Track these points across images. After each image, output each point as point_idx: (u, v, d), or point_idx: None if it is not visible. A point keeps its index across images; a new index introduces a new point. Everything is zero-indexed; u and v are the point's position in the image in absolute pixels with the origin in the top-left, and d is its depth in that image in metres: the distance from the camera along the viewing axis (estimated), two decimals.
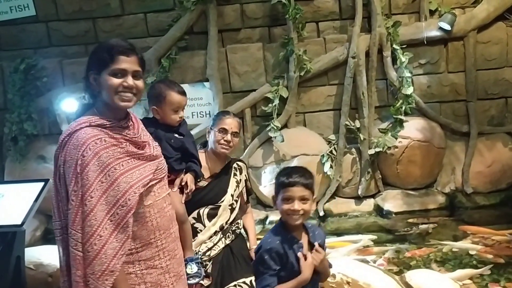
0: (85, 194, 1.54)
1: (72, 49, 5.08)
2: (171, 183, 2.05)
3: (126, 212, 1.57)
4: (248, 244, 2.68)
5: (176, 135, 2.21)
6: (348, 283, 2.73)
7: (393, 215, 4.66)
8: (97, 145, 1.57)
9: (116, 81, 1.61)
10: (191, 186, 2.20)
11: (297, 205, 1.85)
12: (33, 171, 4.67)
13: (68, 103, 4.75)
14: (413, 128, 4.74)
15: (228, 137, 2.47)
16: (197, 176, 2.27)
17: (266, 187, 4.75)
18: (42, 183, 2.99)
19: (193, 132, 4.79)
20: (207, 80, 4.87)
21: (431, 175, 4.90)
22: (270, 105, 4.77)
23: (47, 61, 4.96)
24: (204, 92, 4.89)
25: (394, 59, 4.81)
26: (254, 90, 4.91)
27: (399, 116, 4.67)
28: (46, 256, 3.28)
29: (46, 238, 4.60)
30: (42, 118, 4.92)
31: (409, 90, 4.66)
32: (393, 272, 3.13)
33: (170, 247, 1.77)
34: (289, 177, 1.89)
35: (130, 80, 1.63)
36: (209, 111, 4.92)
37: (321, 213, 4.67)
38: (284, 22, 4.86)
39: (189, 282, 2.00)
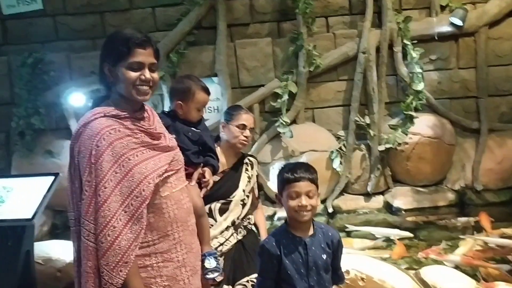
0: (99, 184, 1.52)
1: (80, 43, 5.05)
2: (188, 176, 2.01)
3: (141, 202, 1.55)
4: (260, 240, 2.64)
5: (193, 129, 2.18)
6: (362, 279, 2.68)
7: (403, 212, 4.63)
8: (112, 135, 1.55)
9: (133, 74, 1.59)
10: (210, 181, 2.17)
11: (304, 201, 1.78)
12: (40, 166, 4.63)
13: (76, 98, 4.73)
14: (424, 125, 4.71)
15: (247, 132, 2.47)
16: (215, 171, 2.24)
17: (274, 183, 4.70)
18: (52, 177, 2.95)
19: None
20: (215, 75, 4.84)
21: (441, 172, 4.86)
22: (279, 100, 4.75)
23: (55, 55, 4.94)
24: (212, 87, 4.71)
25: (405, 55, 4.76)
26: (263, 86, 4.88)
27: (410, 112, 4.64)
28: (55, 251, 3.25)
29: (53, 233, 4.59)
30: (50, 113, 4.89)
31: (420, 86, 4.62)
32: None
33: (187, 240, 1.74)
34: (293, 172, 1.82)
35: (147, 73, 1.61)
36: (218, 107, 4.88)
37: (330, 210, 4.65)
38: (294, 17, 4.83)
39: (207, 276, 1.96)
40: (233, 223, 2.49)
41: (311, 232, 1.87)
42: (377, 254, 3.67)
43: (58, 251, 3.23)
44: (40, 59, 4.87)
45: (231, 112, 2.58)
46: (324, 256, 1.84)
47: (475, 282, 2.63)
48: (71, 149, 1.60)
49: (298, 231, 1.86)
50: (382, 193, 4.88)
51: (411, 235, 3.94)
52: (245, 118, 2.50)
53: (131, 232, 1.53)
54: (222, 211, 2.46)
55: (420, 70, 4.63)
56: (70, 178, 1.61)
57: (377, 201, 4.81)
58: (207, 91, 2.24)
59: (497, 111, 4.98)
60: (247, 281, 2.40)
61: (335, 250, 1.89)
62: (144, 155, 1.60)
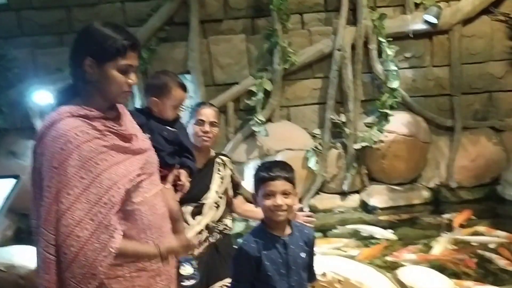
0: (62, 190, 1.39)
1: (45, 39, 4.84)
2: (163, 179, 1.89)
3: (109, 209, 1.42)
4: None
5: (169, 128, 2.07)
6: (339, 281, 2.64)
7: (379, 210, 4.62)
8: (79, 138, 1.42)
9: (122, 78, 1.48)
10: (186, 183, 2.05)
11: (279, 200, 1.72)
12: (3, 167, 4.41)
13: (41, 96, 4.52)
14: (399, 123, 4.70)
15: (206, 127, 2.37)
16: (192, 173, 2.12)
17: (250, 182, 4.62)
18: (14, 180, 2.78)
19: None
20: (188, 73, 4.72)
21: (416, 170, 4.88)
22: (253, 98, 4.67)
23: (19, 51, 4.69)
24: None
25: (380, 53, 4.75)
26: (237, 83, 4.79)
27: (385, 110, 4.62)
28: (17, 257, 3.10)
29: (18, 238, 4.37)
30: (13, 112, 4.64)
31: (395, 84, 4.62)
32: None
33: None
34: (269, 171, 1.77)
35: (134, 78, 1.52)
36: (191, 105, 4.73)
37: (306, 209, 4.59)
38: (268, 13, 4.74)
39: (183, 284, 1.85)
40: (207, 227, 2.40)
41: (288, 231, 1.82)
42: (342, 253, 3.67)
43: (21, 257, 3.07)
44: (2, 56, 4.63)
45: (191, 110, 2.51)
46: (303, 255, 1.80)
47: (452, 282, 2.60)
48: (33, 152, 1.49)
49: (275, 230, 1.80)
50: (358, 191, 4.85)
51: (394, 237, 3.91)
52: (203, 112, 2.40)
53: (98, 241, 1.41)
54: (194, 214, 2.36)
55: (395, 68, 4.62)
56: (33, 183, 1.49)
57: (353, 200, 4.79)
58: (184, 88, 2.12)
59: (471, 109, 5.01)
60: (221, 286, 2.31)
61: (311, 248, 1.85)
62: (114, 159, 1.48)
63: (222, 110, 4.54)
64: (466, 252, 3.60)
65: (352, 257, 3.49)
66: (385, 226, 4.28)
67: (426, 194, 4.79)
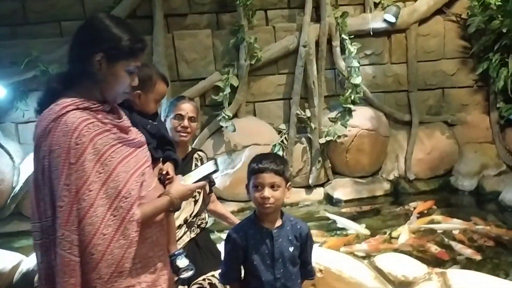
0: (82, 187, 1.31)
1: None
2: None
3: (131, 204, 1.38)
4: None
5: (152, 121, 2.03)
6: (320, 271, 2.68)
7: (343, 203, 4.73)
8: (91, 130, 1.36)
9: (129, 80, 1.45)
10: (174, 176, 2.03)
11: (267, 192, 1.74)
12: None
13: None
14: (361, 117, 4.83)
15: (185, 122, 2.36)
16: (177, 166, 2.10)
17: (217, 178, 4.60)
18: None
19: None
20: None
21: (377, 163, 5.04)
22: (220, 94, 4.63)
23: None
24: None
25: (343, 49, 4.86)
26: (203, 79, 4.74)
27: (348, 105, 4.74)
28: None
29: None
30: None
31: (358, 80, 4.74)
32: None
33: (163, 241, 1.62)
34: (259, 163, 1.78)
35: (136, 80, 1.49)
36: (170, 99, 4.66)
37: None
38: (233, 8, 4.74)
39: (182, 276, 1.84)
40: (185, 221, 2.39)
41: (279, 223, 1.84)
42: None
43: None
44: None
45: (169, 104, 2.49)
46: (291, 249, 1.81)
47: (425, 266, 2.72)
48: (36, 149, 1.37)
49: (265, 222, 1.82)
50: (322, 185, 4.95)
51: (367, 232, 3.98)
52: (182, 107, 2.39)
53: (123, 237, 1.36)
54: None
55: (357, 64, 4.75)
56: (35, 183, 1.38)
57: (318, 193, 4.88)
58: (167, 82, 2.10)
59: (426, 104, 5.25)
60: (204, 280, 2.29)
61: (303, 244, 1.87)
62: (123, 152, 1.43)
63: None
64: (429, 239, 3.78)
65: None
66: (349, 218, 4.35)
67: (386, 186, 4.95)
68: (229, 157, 4.64)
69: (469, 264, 3.32)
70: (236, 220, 2.60)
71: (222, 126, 4.61)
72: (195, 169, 2.49)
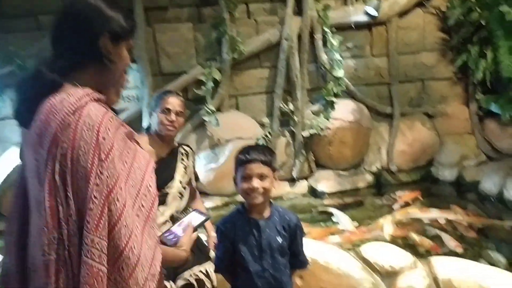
0: (115, 187, 1.17)
1: None
2: None
3: (152, 201, 1.27)
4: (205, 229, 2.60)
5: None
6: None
7: (326, 195, 4.74)
8: (112, 124, 1.23)
9: (128, 61, 1.37)
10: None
11: (255, 183, 1.75)
12: None
13: None
14: (344, 110, 4.84)
15: (172, 116, 2.36)
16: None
17: (201, 173, 4.58)
18: None
19: (120, 117, 4.47)
20: (134, 62, 4.55)
21: (359, 155, 5.06)
22: (203, 88, 4.58)
23: None
24: (131, 74, 4.54)
25: (325, 42, 4.86)
26: (185, 73, 4.68)
27: (331, 98, 4.74)
28: None
29: None
30: None
31: (340, 73, 4.75)
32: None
33: None
34: (246, 154, 1.79)
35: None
36: (137, 95, 4.60)
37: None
38: (214, 2, 4.68)
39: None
40: (171, 217, 2.37)
41: (267, 214, 1.84)
42: None
43: None
44: None
45: (157, 98, 2.47)
46: (279, 239, 1.81)
47: (410, 255, 2.75)
48: (51, 147, 1.17)
49: (253, 213, 1.83)
50: (306, 178, 4.95)
51: (354, 228, 3.99)
52: (170, 101, 2.39)
53: (149, 238, 1.24)
54: (158, 204, 2.32)
55: (339, 57, 4.75)
56: (50, 186, 1.17)
57: (302, 186, 4.88)
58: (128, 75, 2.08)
59: (407, 96, 5.28)
60: (190, 275, 2.29)
61: (293, 234, 1.87)
62: (132, 147, 1.31)
63: None
64: (412, 229, 3.83)
65: None
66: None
67: (369, 178, 4.98)
68: (213, 151, 4.60)
69: (451, 252, 3.38)
70: (210, 227, 2.56)
71: (205, 121, 4.57)
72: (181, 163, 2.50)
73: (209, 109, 4.52)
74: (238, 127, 4.70)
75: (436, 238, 3.65)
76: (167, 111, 2.36)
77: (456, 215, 4.03)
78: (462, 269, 2.58)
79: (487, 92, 4.95)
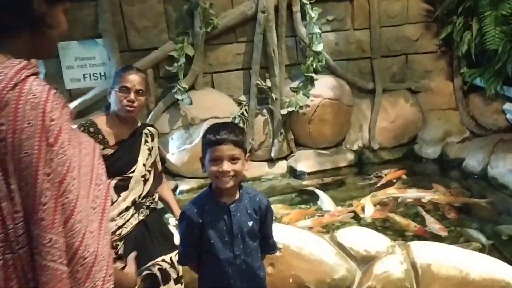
0: (66, 176, 1.01)
1: None
2: None
3: (106, 191, 1.10)
4: (172, 215, 2.53)
5: None
6: (278, 249, 2.56)
7: (306, 175, 4.60)
8: (59, 102, 1.03)
9: (66, 26, 1.16)
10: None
11: (226, 166, 1.63)
12: None
13: None
14: (324, 87, 4.67)
15: (131, 96, 2.19)
16: None
17: (175, 154, 4.42)
18: None
19: (86, 97, 4.27)
20: (100, 37, 4.28)
21: (340, 133, 4.92)
22: (175, 64, 4.33)
23: None
24: (97, 50, 4.31)
25: (303, 15, 4.62)
26: (156, 48, 4.43)
27: (310, 74, 4.55)
28: None
29: None
30: None
31: (320, 47, 4.54)
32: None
33: None
34: (216, 134, 1.65)
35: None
36: (104, 72, 4.37)
37: None
38: None
39: None
40: (133, 202, 2.24)
41: (236, 197, 1.72)
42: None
43: None
44: None
45: (115, 75, 2.30)
46: (250, 223, 1.72)
47: (389, 240, 2.61)
48: None
49: (222, 197, 1.71)
50: (285, 157, 4.80)
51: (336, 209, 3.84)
52: (129, 79, 2.21)
53: (105, 232, 1.09)
54: (119, 188, 2.21)
55: (319, 31, 4.53)
56: None
57: (281, 166, 4.73)
58: None
59: (389, 71, 5.10)
60: (153, 265, 2.16)
61: (263, 217, 1.77)
62: (76, 131, 1.12)
63: None
64: (394, 210, 3.70)
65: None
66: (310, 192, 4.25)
67: (350, 156, 4.84)
68: (187, 131, 4.42)
69: (435, 236, 3.25)
70: (177, 210, 2.43)
71: (178, 99, 4.35)
72: (145, 145, 2.34)
73: (182, 87, 4.29)
74: (213, 105, 4.50)
75: (419, 219, 3.52)
76: (125, 89, 2.19)
77: (438, 194, 3.89)
78: (442, 253, 2.45)
79: (472, 66, 4.79)
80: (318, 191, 4.13)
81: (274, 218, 3.58)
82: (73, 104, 4.17)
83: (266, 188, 4.41)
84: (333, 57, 4.86)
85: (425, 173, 4.70)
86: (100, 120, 2.26)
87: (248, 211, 1.73)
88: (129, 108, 2.20)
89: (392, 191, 4.02)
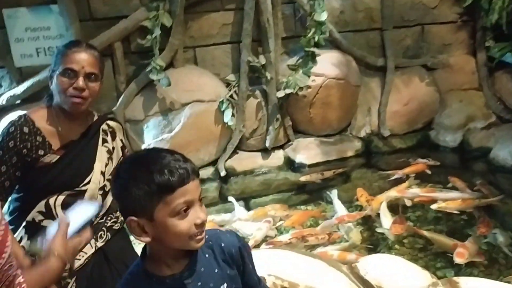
0: None
1: None
2: None
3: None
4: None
5: None
6: None
7: (307, 168, 4.14)
8: None
9: None
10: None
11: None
12: None
13: None
14: (328, 63, 4.22)
15: (80, 82, 1.72)
16: None
17: (151, 145, 3.91)
18: None
19: (40, 76, 3.74)
20: (55, 2, 3.74)
21: (346, 118, 4.48)
22: (148, 37, 3.84)
23: None
24: (52, 19, 3.78)
25: None
26: (125, 17, 3.91)
27: (311, 49, 4.07)
28: None
29: None
30: None
31: (322, 16, 4.04)
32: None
33: None
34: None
35: None
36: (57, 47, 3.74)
37: (223, 173, 4.00)
38: None
39: None
40: (91, 223, 1.80)
41: (185, 262, 1.17)
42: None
43: None
44: None
45: (56, 53, 1.78)
46: (225, 285, 1.23)
47: (429, 274, 2.02)
48: None
49: (163, 267, 1.16)
50: (282, 147, 4.35)
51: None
52: (74, 58, 1.72)
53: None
54: (69, 207, 1.74)
55: None
56: None
57: (277, 157, 4.27)
58: None
59: (402, 45, 4.67)
60: None
61: (239, 263, 1.28)
62: None
63: (106, 53, 3.73)
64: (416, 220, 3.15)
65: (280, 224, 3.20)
66: (312, 188, 3.82)
67: (357, 145, 4.41)
68: (165, 118, 3.94)
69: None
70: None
71: (153, 80, 3.85)
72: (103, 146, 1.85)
73: (157, 64, 3.79)
74: (197, 87, 4.07)
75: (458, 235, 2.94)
76: (71, 73, 1.71)
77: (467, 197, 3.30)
78: None
79: (500, 39, 4.35)
80: (332, 193, 3.60)
81: (271, 221, 3.15)
82: (23, 86, 3.67)
83: (260, 184, 4.02)
84: (338, 28, 4.42)
85: (443, 165, 4.15)
86: (39, 115, 1.77)
87: (216, 271, 1.22)
88: (75, 100, 1.72)
89: (414, 191, 3.45)
